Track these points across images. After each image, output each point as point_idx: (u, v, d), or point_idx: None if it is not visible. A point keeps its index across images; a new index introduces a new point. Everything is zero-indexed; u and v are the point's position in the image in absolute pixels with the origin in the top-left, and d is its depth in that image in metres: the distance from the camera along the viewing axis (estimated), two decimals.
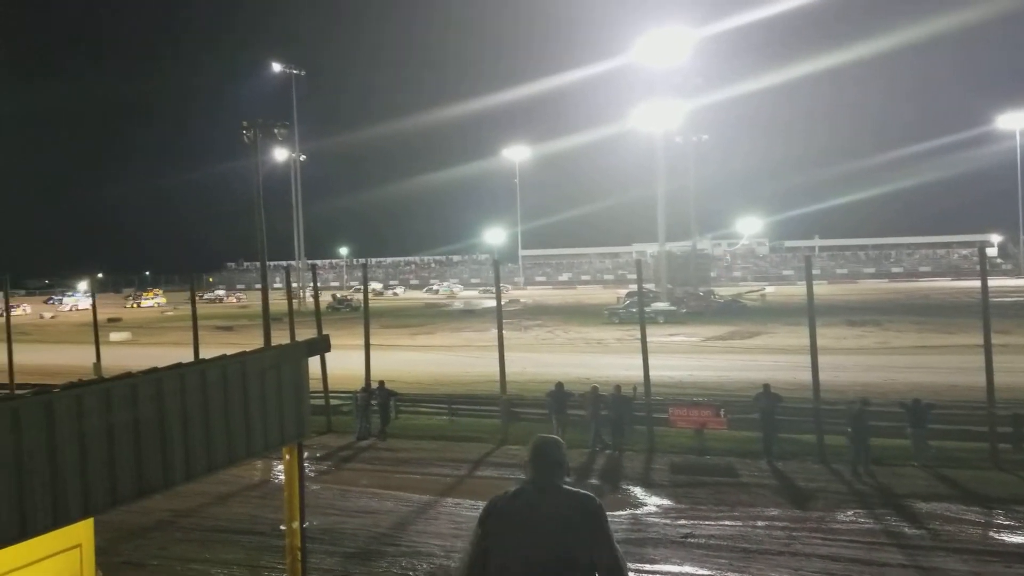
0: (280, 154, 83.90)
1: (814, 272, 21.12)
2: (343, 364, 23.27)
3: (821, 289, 43.30)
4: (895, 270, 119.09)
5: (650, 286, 62.40)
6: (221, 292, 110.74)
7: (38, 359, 38.33)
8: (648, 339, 21.21)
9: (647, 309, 31.47)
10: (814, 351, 18.73)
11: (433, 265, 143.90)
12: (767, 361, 32.51)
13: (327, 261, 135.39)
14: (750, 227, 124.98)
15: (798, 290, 58.97)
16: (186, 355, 22.29)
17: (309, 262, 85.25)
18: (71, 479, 5.51)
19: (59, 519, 5.53)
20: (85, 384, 5.84)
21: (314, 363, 9.62)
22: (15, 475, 5.23)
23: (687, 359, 34.59)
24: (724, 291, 71.72)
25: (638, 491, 16.35)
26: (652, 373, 20.78)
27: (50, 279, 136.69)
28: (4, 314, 32.91)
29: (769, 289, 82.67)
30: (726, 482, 16.71)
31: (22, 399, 5.53)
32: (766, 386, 19.04)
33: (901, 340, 40.48)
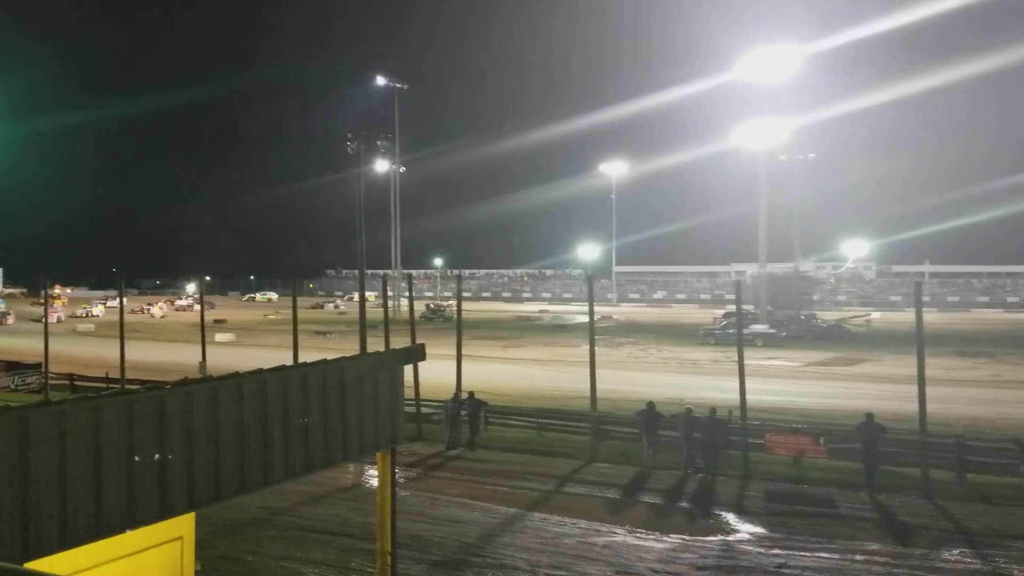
0: (381, 166, 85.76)
1: (924, 299, 20.23)
2: (435, 373, 23.51)
3: (931, 317, 41.49)
4: (1011, 300, 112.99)
5: (749, 307, 60.82)
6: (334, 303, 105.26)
7: (147, 356, 40.11)
8: (745, 362, 20.73)
9: (745, 331, 30.69)
10: (922, 381, 17.93)
11: (526, 279, 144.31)
12: (871, 389, 31.28)
13: (422, 271, 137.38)
14: (857, 250, 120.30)
15: (906, 317, 56.55)
16: (286, 358, 22.94)
17: (405, 271, 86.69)
18: (178, 473, 5.72)
19: (165, 511, 5.74)
20: (194, 382, 6.07)
21: (406, 371, 9.76)
22: (126, 467, 5.46)
23: (786, 384, 33.63)
24: (827, 315, 69.29)
25: (731, 517, 15.95)
26: (749, 397, 20.25)
27: (160, 279, 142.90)
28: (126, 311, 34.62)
29: (875, 315, 79.45)
30: (824, 513, 16.14)
31: (136, 394, 5.78)
32: (869, 415, 18.32)
33: (1015, 373, 38.36)
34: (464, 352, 24.56)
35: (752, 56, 64.85)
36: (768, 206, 67.64)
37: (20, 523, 5.05)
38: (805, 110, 71.68)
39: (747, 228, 76.24)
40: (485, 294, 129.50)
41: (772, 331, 54.90)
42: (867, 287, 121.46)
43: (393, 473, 9.09)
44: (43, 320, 39.46)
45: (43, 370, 32.29)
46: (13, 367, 34.19)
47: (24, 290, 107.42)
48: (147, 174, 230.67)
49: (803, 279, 77.87)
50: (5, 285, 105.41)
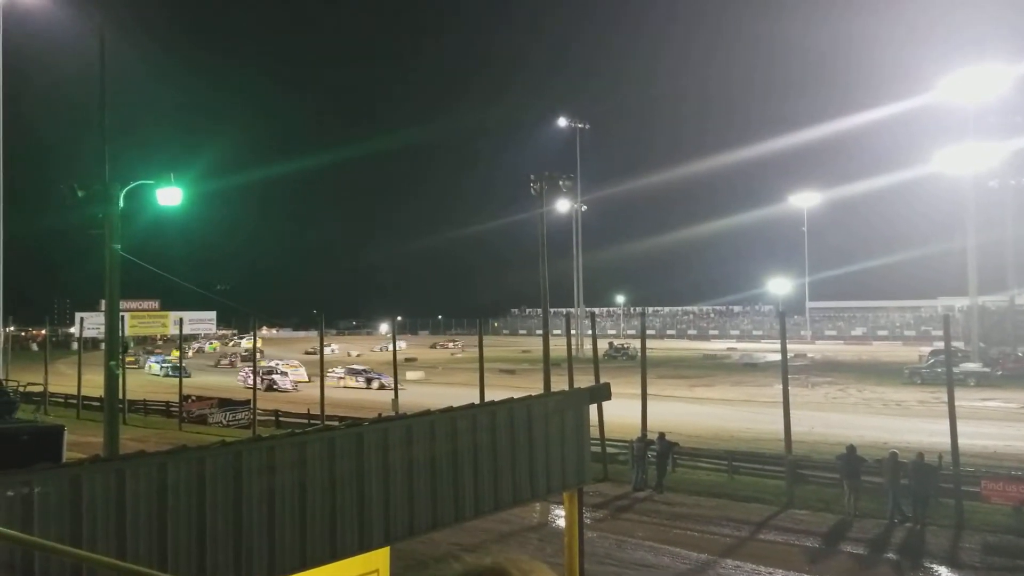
0: (562, 205, 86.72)
1: None
2: (619, 413, 23.28)
3: None
4: None
5: (958, 344, 56.30)
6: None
7: (345, 394, 42.36)
8: (957, 403, 19.21)
9: (955, 370, 28.28)
10: None
11: (712, 315, 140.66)
12: None
13: (604, 309, 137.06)
14: None
15: None
16: (472, 395, 23.46)
17: (587, 310, 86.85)
18: (376, 507, 5.92)
19: (364, 544, 5.94)
20: (389, 419, 6.28)
21: (591, 410, 9.68)
22: (328, 500, 5.70)
23: (1003, 427, 30.71)
24: None
25: (944, 571, 14.73)
26: (961, 441, 18.74)
27: (356, 321, 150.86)
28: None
29: None
30: None
31: (337, 430, 6.05)
32: None
33: None
34: (649, 391, 24.17)
35: (955, 77, 60.83)
36: (978, 235, 62.72)
37: (233, 551, 5.38)
38: (1018, 133, 65.84)
39: (955, 259, 70.91)
40: (670, 331, 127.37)
41: (986, 370, 50.50)
42: None
43: (581, 514, 9.00)
44: (252, 361, 42.76)
45: (251, 407, 34.85)
46: (225, 404, 37.17)
47: (235, 331, 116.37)
48: (343, 218, 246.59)
49: (1020, 313, 71.29)
50: (218, 327, 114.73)
